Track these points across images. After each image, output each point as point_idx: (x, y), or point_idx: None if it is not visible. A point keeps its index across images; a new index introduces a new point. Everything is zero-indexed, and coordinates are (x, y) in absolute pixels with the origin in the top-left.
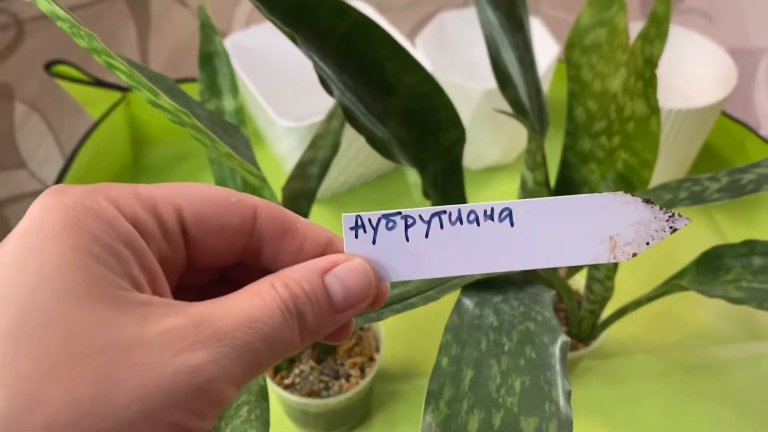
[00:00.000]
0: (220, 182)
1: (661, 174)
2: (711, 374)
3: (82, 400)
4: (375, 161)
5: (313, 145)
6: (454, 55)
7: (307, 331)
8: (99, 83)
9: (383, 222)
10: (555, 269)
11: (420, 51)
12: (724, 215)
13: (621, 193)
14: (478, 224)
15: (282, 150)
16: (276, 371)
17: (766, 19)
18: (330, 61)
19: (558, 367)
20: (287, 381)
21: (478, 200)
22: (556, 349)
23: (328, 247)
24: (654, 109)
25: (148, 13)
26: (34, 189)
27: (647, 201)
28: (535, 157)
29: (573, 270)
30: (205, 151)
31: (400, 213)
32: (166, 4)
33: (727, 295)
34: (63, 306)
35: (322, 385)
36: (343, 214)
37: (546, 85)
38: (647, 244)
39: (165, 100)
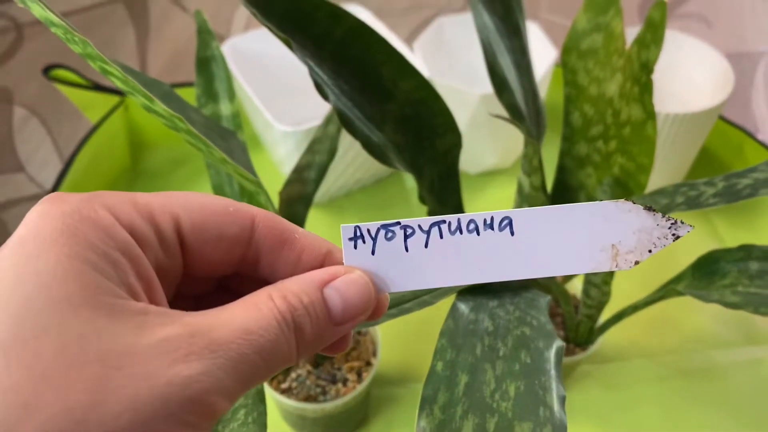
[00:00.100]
0: (217, 187)
1: (659, 178)
2: (708, 379)
3: (74, 408)
4: (372, 166)
5: (311, 149)
6: (452, 59)
7: (305, 344)
8: (97, 87)
9: (382, 232)
10: None
11: (418, 55)
12: (723, 219)
13: (622, 201)
14: (478, 233)
15: (279, 154)
16: (273, 376)
17: (764, 23)
18: (326, 66)
19: (553, 372)
20: (284, 385)
21: (475, 204)
22: (551, 354)
23: (326, 258)
24: (650, 114)
25: (147, 18)
26: (33, 193)
27: (649, 209)
28: (531, 162)
29: (570, 275)
30: (202, 156)
31: (399, 223)
32: (165, 8)
33: (723, 300)
34: (58, 313)
35: (319, 390)
36: (341, 225)
37: (544, 90)
38: (650, 251)
39: (160, 106)
